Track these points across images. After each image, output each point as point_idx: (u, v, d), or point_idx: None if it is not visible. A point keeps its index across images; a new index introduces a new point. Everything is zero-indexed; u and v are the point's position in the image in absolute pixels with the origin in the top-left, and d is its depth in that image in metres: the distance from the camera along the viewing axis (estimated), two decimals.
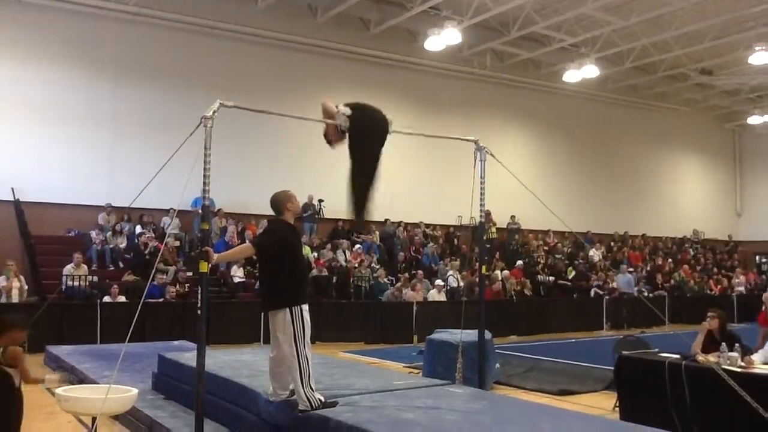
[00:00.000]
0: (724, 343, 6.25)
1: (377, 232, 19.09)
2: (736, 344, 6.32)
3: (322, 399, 5.26)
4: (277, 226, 5.72)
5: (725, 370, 5.85)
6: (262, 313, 5.61)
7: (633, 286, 19.15)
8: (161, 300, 13.64)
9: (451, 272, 17.30)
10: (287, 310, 5.34)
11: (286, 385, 5.52)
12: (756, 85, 24.40)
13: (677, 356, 6.53)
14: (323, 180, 17.36)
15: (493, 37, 19.62)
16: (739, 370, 5.90)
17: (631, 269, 20.44)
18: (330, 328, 13.28)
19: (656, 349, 7.39)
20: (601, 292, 18.84)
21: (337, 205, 17.92)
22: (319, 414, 5.16)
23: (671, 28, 18.37)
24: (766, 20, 18.18)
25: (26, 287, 12.89)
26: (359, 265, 16.55)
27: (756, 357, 6.25)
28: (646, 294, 19.16)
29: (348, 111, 5.88)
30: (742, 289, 21.54)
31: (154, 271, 9.23)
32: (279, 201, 5.67)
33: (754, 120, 26.20)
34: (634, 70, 22.28)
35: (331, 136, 6.03)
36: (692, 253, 25.07)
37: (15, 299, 12.47)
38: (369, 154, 5.96)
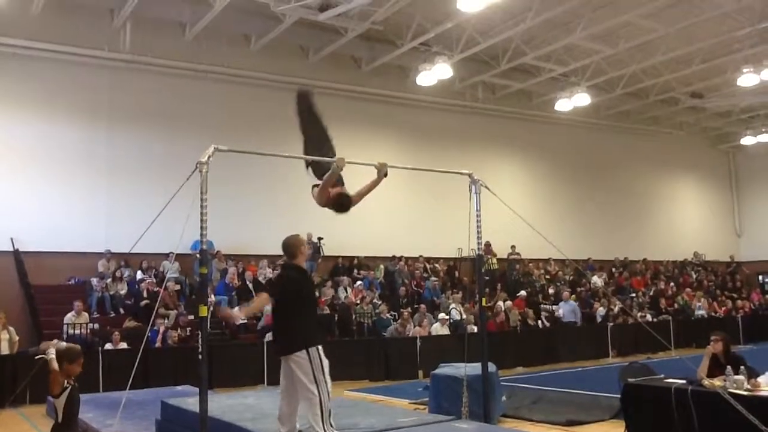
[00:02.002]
0: (729, 367, 6.21)
1: (382, 267, 19.07)
2: (742, 367, 6.27)
3: None
4: (292, 273, 5.79)
5: (731, 394, 5.80)
6: (278, 357, 5.60)
7: (578, 315, 18.25)
8: (163, 345, 13.57)
9: (453, 305, 17.22)
10: (305, 351, 5.43)
11: (294, 428, 5.52)
12: (746, 107, 24.62)
13: (683, 381, 6.48)
14: (321, 218, 17.22)
15: (483, 70, 19.86)
16: (745, 393, 5.85)
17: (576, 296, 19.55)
18: (333, 367, 12.82)
19: (662, 375, 7.33)
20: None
21: (336, 242, 18.05)
22: None
23: (659, 53, 18.60)
24: (753, 42, 18.42)
25: (17, 338, 12.52)
26: (361, 302, 16.48)
27: (762, 379, 6.20)
28: (649, 319, 19.06)
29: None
30: (703, 312, 21.12)
31: (154, 316, 9.21)
32: (292, 246, 5.77)
33: (747, 141, 26.37)
34: (625, 96, 22.52)
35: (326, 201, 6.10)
36: (694, 276, 25.01)
37: (5, 351, 12.26)
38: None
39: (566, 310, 18.21)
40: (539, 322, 18.31)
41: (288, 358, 5.45)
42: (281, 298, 5.63)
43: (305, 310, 5.68)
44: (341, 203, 6.03)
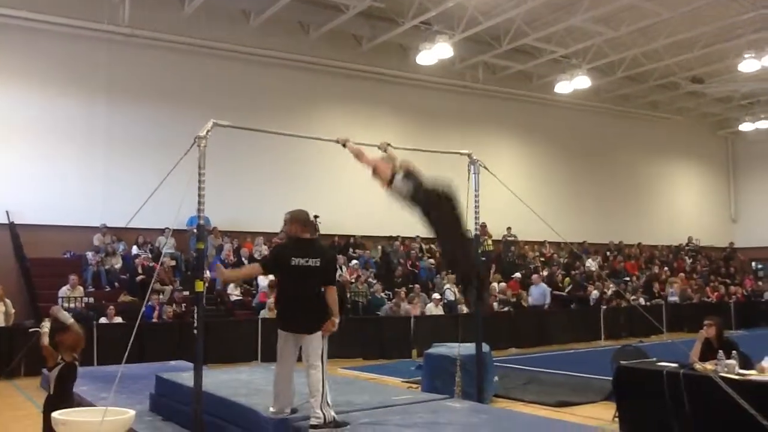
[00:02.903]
0: (721, 351, 6.25)
1: (380, 247, 19.10)
2: (734, 351, 6.32)
3: (336, 416, 5.26)
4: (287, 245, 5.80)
5: (723, 378, 5.84)
6: (296, 333, 5.59)
7: (547, 299, 17.86)
8: (158, 320, 13.60)
9: (448, 286, 17.28)
10: (320, 332, 5.50)
11: (289, 402, 5.56)
12: (747, 92, 24.58)
13: (675, 365, 6.52)
14: (318, 195, 17.38)
15: (484, 50, 19.74)
16: (737, 377, 5.89)
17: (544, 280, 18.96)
18: (328, 345, 13.20)
19: (654, 359, 7.38)
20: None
21: (333, 221, 18.05)
22: None
23: (661, 38, 18.51)
24: (756, 27, 18.34)
25: (13, 311, 12.57)
26: (356, 281, 16.53)
27: (766, 363, 6.23)
28: (643, 303, 19.14)
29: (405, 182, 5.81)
30: (676, 298, 20.68)
31: (149, 291, 9.24)
32: (302, 219, 5.73)
33: (745, 127, 26.36)
34: (625, 79, 22.43)
35: (382, 179, 5.98)
36: (688, 261, 25.12)
37: (1, 323, 12.31)
38: (442, 224, 5.78)
39: (536, 293, 17.94)
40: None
41: (299, 336, 5.48)
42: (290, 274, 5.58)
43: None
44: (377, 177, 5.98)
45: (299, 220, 5.66)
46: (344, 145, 6.25)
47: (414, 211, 5.80)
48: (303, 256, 5.45)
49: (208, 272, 14.56)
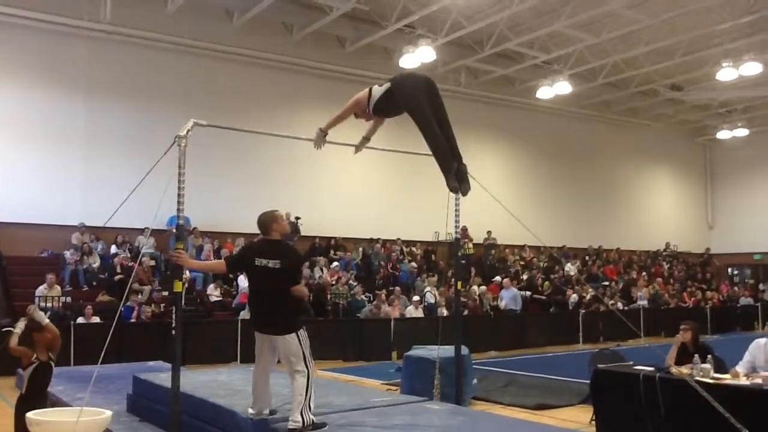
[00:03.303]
0: (696, 355, 6.33)
1: (361, 249, 19.09)
2: (709, 356, 6.40)
3: (315, 420, 5.23)
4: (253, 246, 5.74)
5: (698, 382, 5.92)
6: (265, 334, 5.54)
7: (519, 303, 17.79)
8: (137, 320, 13.49)
9: (428, 288, 17.33)
10: (297, 333, 5.41)
11: (268, 404, 5.54)
12: (725, 101, 24.94)
13: (651, 369, 6.59)
14: (300, 197, 17.37)
15: (467, 55, 19.83)
16: (711, 381, 5.97)
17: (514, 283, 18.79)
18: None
19: (631, 362, 7.46)
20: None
21: (314, 222, 18.03)
22: None
23: (641, 45, 18.73)
24: (733, 37, 18.61)
25: None
26: (336, 282, 16.51)
27: (739, 368, 6.33)
28: (620, 307, 19.32)
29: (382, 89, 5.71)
30: (645, 302, 20.52)
31: (128, 291, 9.14)
32: (265, 222, 5.67)
33: (723, 134, 26.72)
34: (606, 86, 22.65)
35: (362, 111, 6.00)
36: (666, 266, 25.39)
37: None
38: (417, 112, 5.71)
39: (507, 297, 17.89)
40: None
41: (281, 338, 5.42)
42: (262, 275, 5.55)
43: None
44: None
45: (260, 223, 5.67)
46: (325, 135, 6.22)
47: (399, 111, 5.75)
48: (266, 257, 5.46)
49: (187, 273, 14.53)
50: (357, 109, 5.83)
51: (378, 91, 5.66)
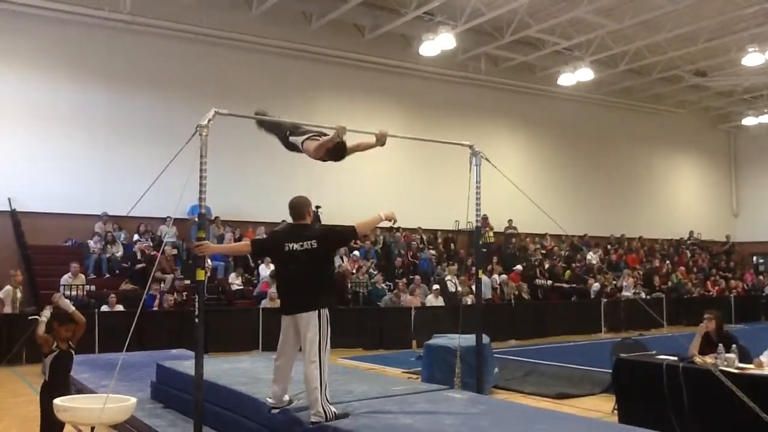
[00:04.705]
0: (720, 345, 6.26)
1: (381, 238, 19.10)
2: (733, 345, 6.32)
3: (336, 412, 5.21)
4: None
5: (722, 372, 5.86)
6: (286, 315, 5.45)
7: (488, 290, 16.89)
8: (159, 309, 13.64)
9: (448, 277, 17.30)
10: (319, 311, 5.27)
11: (286, 391, 5.53)
12: (750, 86, 24.51)
13: (675, 358, 6.53)
14: (319, 186, 17.33)
15: (487, 42, 19.67)
16: (736, 371, 5.91)
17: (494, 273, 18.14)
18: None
19: (654, 352, 7.40)
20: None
21: (334, 211, 18.01)
22: None
23: (665, 30, 18.44)
24: (759, 21, 18.26)
25: (19, 297, 12.78)
26: (357, 271, 16.54)
27: (764, 358, 6.25)
28: (643, 296, 19.16)
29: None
30: (629, 294, 18.98)
31: (150, 279, 9.25)
32: (301, 205, 5.63)
33: (748, 121, 26.28)
34: (628, 72, 22.37)
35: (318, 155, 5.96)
36: (689, 254, 25.13)
37: (8, 309, 12.39)
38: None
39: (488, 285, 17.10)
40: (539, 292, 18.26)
41: (298, 317, 5.37)
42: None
43: (331, 269, 5.62)
44: (339, 150, 5.85)
45: (295, 206, 5.64)
46: (383, 144, 6.17)
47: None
48: (298, 240, 5.41)
49: (209, 261, 14.64)
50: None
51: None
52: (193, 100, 15.67)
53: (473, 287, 10.53)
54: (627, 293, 19.18)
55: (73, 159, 15.83)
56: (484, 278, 17.08)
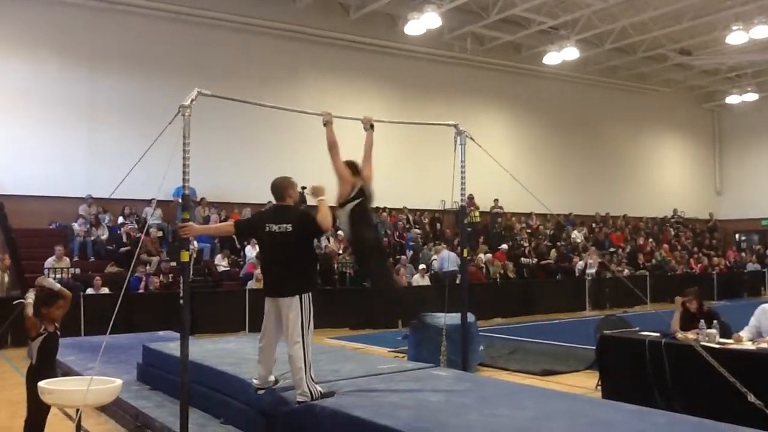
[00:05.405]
0: (702, 321, 6.35)
1: None
2: (715, 321, 6.42)
3: (322, 391, 5.24)
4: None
5: (703, 347, 5.94)
6: (269, 297, 5.48)
7: (454, 265, 15.86)
8: (145, 291, 13.60)
9: (435, 256, 17.35)
10: (301, 296, 5.30)
11: (270, 372, 5.57)
12: (734, 65, 24.61)
13: (657, 335, 6.62)
14: (304, 167, 17.20)
15: (473, 21, 19.59)
16: (717, 346, 5.99)
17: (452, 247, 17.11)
18: (315, 315, 13.24)
19: (637, 328, 7.49)
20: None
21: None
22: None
23: (650, 9, 18.44)
24: (743, 0, 18.28)
25: (6, 281, 12.74)
26: (343, 252, 16.55)
27: (744, 333, 6.35)
28: (627, 274, 19.32)
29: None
30: (593, 271, 18.45)
31: (135, 262, 9.20)
32: (282, 187, 5.61)
33: (732, 99, 26.44)
34: (613, 51, 22.37)
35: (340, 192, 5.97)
36: (673, 232, 25.35)
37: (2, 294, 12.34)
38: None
39: (444, 260, 16.80)
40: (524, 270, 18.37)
41: (279, 300, 5.39)
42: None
43: (314, 252, 5.62)
44: (354, 166, 5.96)
45: (275, 187, 5.64)
46: (325, 124, 6.17)
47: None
48: (277, 222, 5.42)
49: (195, 243, 14.59)
50: (338, 180, 5.96)
51: (346, 214, 5.84)
52: (176, 80, 15.53)
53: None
54: (590, 270, 18.70)
55: (56, 141, 15.67)
56: (450, 253, 16.90)
